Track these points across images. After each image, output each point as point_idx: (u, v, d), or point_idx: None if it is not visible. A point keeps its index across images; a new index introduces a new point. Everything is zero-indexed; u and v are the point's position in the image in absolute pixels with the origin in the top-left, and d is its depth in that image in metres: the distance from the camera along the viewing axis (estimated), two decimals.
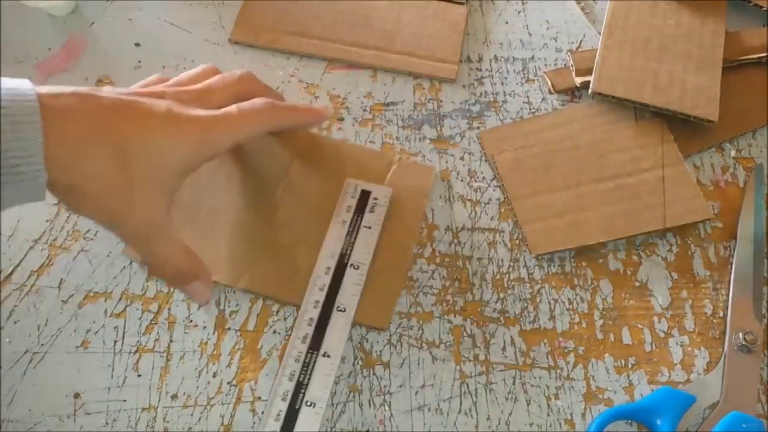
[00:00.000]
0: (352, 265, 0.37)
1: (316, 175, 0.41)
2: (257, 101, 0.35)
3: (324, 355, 0.35)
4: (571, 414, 0.36)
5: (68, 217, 0.40)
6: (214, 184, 0.40)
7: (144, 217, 0.31)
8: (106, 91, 0.31)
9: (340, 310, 0.36)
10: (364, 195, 0.40)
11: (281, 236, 0.39)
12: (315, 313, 0.36)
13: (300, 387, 0.34)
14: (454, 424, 0.35)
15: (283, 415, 0.34)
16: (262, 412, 0.34)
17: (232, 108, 0.34)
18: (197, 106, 0.33)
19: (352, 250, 0.38)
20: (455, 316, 0.38)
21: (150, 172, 0.30)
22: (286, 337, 0.37)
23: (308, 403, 0.34)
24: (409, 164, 0.42)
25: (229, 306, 0.38)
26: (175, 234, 0.33)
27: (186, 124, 0.31)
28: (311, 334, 0.36)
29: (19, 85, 0.28)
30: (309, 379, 0.35)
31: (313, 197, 0.40)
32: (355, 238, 0.38)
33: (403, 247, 0.39)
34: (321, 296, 0.37)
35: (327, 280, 0.37)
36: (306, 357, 0.35)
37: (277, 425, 0.34)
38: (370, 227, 0.39)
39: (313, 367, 0.35)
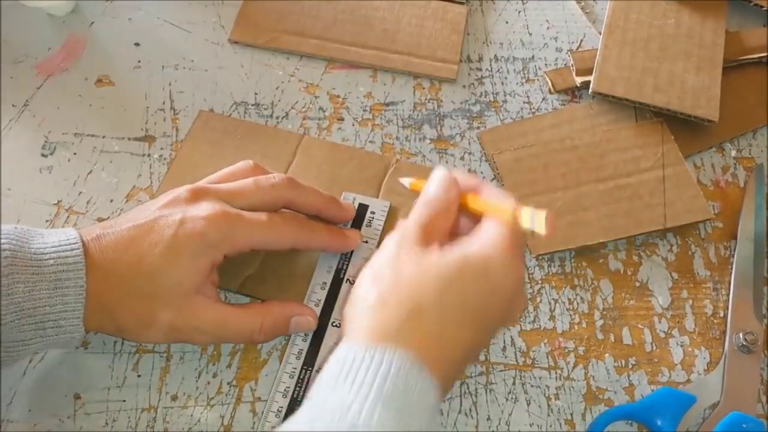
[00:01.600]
0: (348, 280, 0.37)
1: (314, 181, 0.40)
2: (290, 217, 0.35)
3: (319, 371, 0.35)
4: (571, 414, 0.36)
5: (68, 217, 0.40)
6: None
7: (198, 327, 0.32)
8: (117, 224, 0.32)
9: (335, 326, 0.36)
10: (362, 208, 0.39)
11: None
12: None
13: (294, 404, 0.34)
14: (454, 424, 0.35)
15: None
16: (262, 412, 0.34)
17: (261, 215, 0.33)
18: (216, 202, 0.33)
19: (348, 264, 0.37)
20: None
21: (178, 290, 0.31)
22: (286, 338, 0.37)
23: None
24: (407, 165, 0.42)
25: None
26: (236, 312, 0.33)
27: (194, 226, 0.31)
28: (306, 350, 0.35)
29: (67, 238, 0.30)
30: (303, 395, 0.34)
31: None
32: (352, 253, 0.38)
33: None
34: (316, 311, 0.36)
35: (322, 295, 0.37)
36: (300, 373, 0.35)
37: None
38: (367, 241, 0.38)
39: (307, 383, 0.34)
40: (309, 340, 0.35)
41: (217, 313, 0.32)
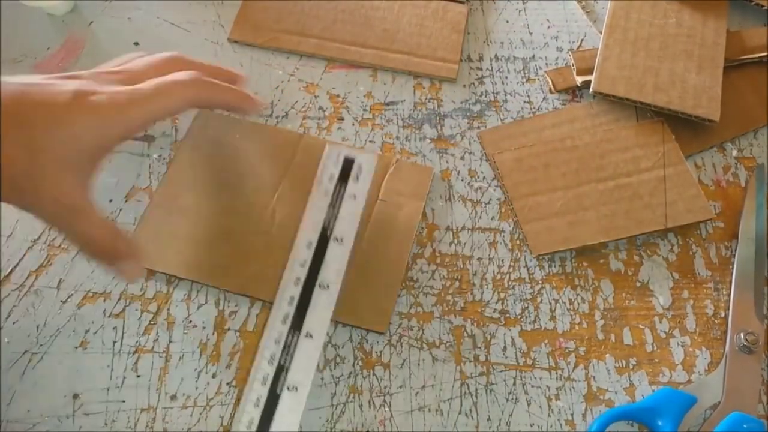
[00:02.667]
0: (335, 238, 0.35)
1: (311, 182, 0.40)
2: (178, 75, 0.33)
3: (306, 336, 0.33)
4: (571, 414, 0.36)
5: None
6: (212, 190, 0.40)
7: (55, 199, 0.30)
8: (14, 79, 0.30)
9: (323, 288, 0.34)
10: (348, 163, 0.38)
11: (279, 240, 0.39)
12: (296, 291, 0.34)
13: (281, 371, 0.33)
14: (455, 424, 0.35)
15: (263, 400, 0.32)
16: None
17: (148, 83, 0.32)
18: (114, 84, 0.32)
19: (335, 222, 0.36)
20: (455, 316, 0.38)
21: (58, 156, 0.30)
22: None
23: (290, 388, 0.33)
24: (407, 165, 0.42)
25: (228, 306, 0.38)
26: (96, 215, 0.32)
27: (94, 103, 0.30)
28: (292, 314, 0.34)
29: None
30: (290, 362, 0.33)
31: (306, 203, 0.39)
32: (339, 210, 0.36)
33: (401, 249, 0.39)
34: (302, 273, 0.35)
35: (308, 255, 0.35)
36: (287, 338, 0.33)
37: (257, 411, 0.32)
38: (355, 197, 0.36)
39: (294, 348, 0.33)
40: (295, 304, 0.34)
41: (82, 200, 0.31)
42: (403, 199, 0.40)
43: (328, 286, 0.34)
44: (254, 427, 0.32)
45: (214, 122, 0.43)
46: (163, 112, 0.33)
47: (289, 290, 0.35)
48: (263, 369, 0.33)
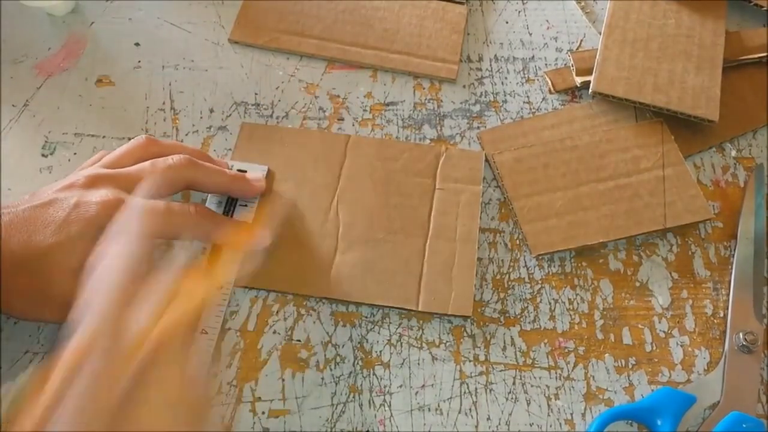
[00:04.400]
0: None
1: (369, 179, 0.41)
2: (189, 207, 0.34)
3: None
4: (571, 414, 0.36)
5: None
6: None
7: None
8: (15, 205, 0.32)
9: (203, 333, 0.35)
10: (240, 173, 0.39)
11: (340, 245, 0.39)
12: None
13: None
14: (454, 424, 0.35)
15: None
16: (263, 413, 0.34)
17: (159, 203, 0.33)
18: (112, 188, 0.33)
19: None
20: (455, 316, 0.38)
21: (65, 269, 0.31)
22: (286, 337, 0.37)
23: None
24: (457, 152, 0.42)
25: (229, 306, 0.38)
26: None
27: (86, 209, 0.32)
28: None
29: None
30: None
31: (368, 201, 0.40)
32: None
33: (468, 232, 0.39)
34: None
35: None
36: None
37: None
38: (246, 205, 0.38)
39: None
40: None
41: None
42: (460, 185, 0.41)
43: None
44: None
45: (258, 132, 0.43)
46: (161, 234, 0.33)
47: None
48: None
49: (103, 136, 0.43)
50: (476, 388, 0.36)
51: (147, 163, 0.35)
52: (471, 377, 0.36)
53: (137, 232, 0.30)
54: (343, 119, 0.44)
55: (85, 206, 0.32)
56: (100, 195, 0.32)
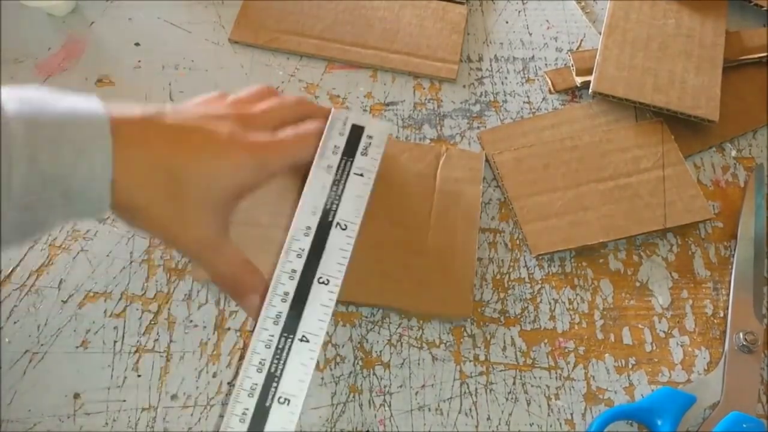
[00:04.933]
0: (338, 224, 0.31)
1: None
2: (311, 126, 0.35)
3: (302, 340, 0.29)
4: (571, 414, 0.36)
5: None
6: (268, 199, 0.38)
7: (196, 238, 0.31)
8: (171, 113, 0.31)
9: (323, 283, 0.30)
10: (356, 131, 0.33)
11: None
12: (291, 287, 0.30)
13: (271, 380, 0.29)
14: (454, 424, 0.35)
15: (249, 414, 0.28)
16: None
17: (289, 132, 0.34)
18: (257, 129, 0.33)
19: (339, 204, 0.31)
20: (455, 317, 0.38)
21: (203, 198, 0.31)
22: None
23: (281, 400, 0.28)
24: (457, 152, 0.42)
25: (229, 306, 0.38)
26: (230, 251, 0.33)
27: (244, 149, 0.32)
28: (286, 313, 0.29)
29: (90, 107, 0.28)
30: (283, 369, 0.29)
31: (367, 201, 0.39)
32: (344, 189, 0.31)
33: (468, 233, 0.39)
34: (299, 264, 0.30)
35: (306, 243, 0.31)
36: (279, 342, 0.29)
37: (243, 427, 0.28)
38: (362, 174, 0.32)
39: (287, 355, 0.29)
40: (290, 301, 0.30)
41: (221, 230, 0.32)
42: (461, 185, 0.40)
43: (328, 281, 0.30)
44: None
45: None
46: (299, 161, 0.34)
47: (283, 285, 0.30)
48: (252, 377, 0.29)
49: None
50: (476, 388, 0.36)
51: (274, 102, 0.35)
52: (471, 377, 0.36)
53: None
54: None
55: (242, 138, 0.31)
56: (256, 136, 0.32)
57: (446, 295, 0.37)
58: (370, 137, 0.33)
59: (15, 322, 0.37)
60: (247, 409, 0.28)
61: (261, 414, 0.28)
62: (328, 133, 0.33)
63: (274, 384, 0.29)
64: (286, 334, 0.29)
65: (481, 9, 0.49)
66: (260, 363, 0.29)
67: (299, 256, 0.30)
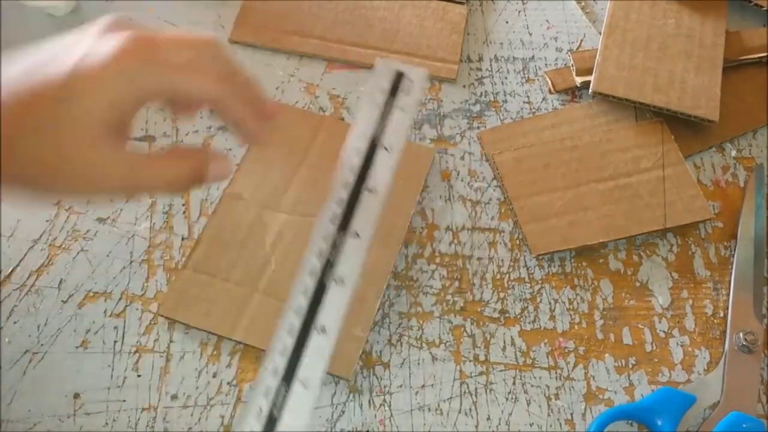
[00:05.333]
0: (384, 147, 0.36)
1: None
2: (215, 69, 0.30)
3: (354, 236, 0.33)
4: (571, 414, 0.36)
5: (68, 216, 0.40)
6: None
7: (100, 178, 0.28)
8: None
9: (372, 192, 0.34)
10: (399, 77, 0.37)
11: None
12: (345, 193, 0.34)
13: (329, 266, 0.32)
14: (454, 424, 0.35)
15: (310, 292, 0.31)
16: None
17: (182, 55, 0.30)
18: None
19: (384, 132, 0.36)
20: (455, 316, 0.38)
21: (84, 132, 0.27)
22: None
23: (337, 281, 0.32)
24: (406, 143, 0.41)
25: None
26: (146, 162, 0.29)
27: (124, 61, 0.28)
28: (341, 214, 0.33)
29: None
30: (337, 257, 0.32)
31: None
32: (388, 121, 0.36)
33: (396, 228, 0.39)
34: (351, 177, 0.34)
35: (358, 162, 0.35)
36: (335, 238, 0.32)
37: (304, 301, 0.31)
38: (403, 109, 0.36)
39: (341, 246, 0.32)
40: (344, 206, 0.34)
41: (130, 156, 0.28)
42: (400, 179, 0.38)
43: (375, 191, 0.34)
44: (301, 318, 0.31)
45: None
46: (185, 85, 0.30)
47: (341, 192, 0.34)
48: (310, 262, 0.32)
49: None
50: (476, 388, 0.36)
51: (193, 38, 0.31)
52: (471, 377, 0.36)
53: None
54: (343, 119, 0.44)
55: (106, 48, 0.28)
56: (125, 36, 0.29)
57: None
58: (411, 80, 0.37)
59: (15, 322, 0.37)
60: (308, 287, 0.31)
61: (320, 291, 0.31)
62: (377, 78, 0.37)
63: (330, 269, 0.32)
64: (341, 232, 0.33)
65: (481, 9, 0.49)
66: (319, 252, 0.32)
67: (351, 170, 0.34)
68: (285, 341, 0.31)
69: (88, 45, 0.29)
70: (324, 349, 0.31)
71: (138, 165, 0.29)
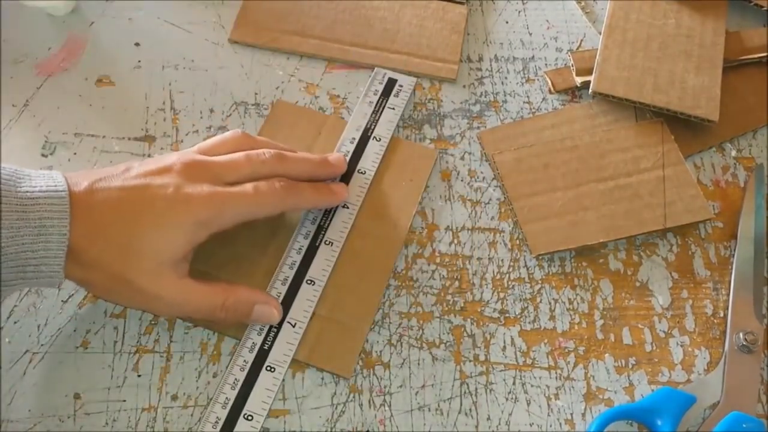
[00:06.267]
0: (374, 137, 0.42)
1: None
2: (275, 184, 0.35)
3: (345, 207, 0.40)
4: (571, 414, 0.36)
5: None
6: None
7: (162, 297, 0.32)
8: (119, 176, 0.32)
9: (361, 173, 0.41)
10: (390, 82, 0.44)
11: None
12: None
13: (320, 230, 0.39)
14: (454, 424, 0.35)
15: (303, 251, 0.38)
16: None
17: (248, 187, 0.34)
18: (204, 180, 0.33)
19: (375, 125, 0.42)
20: (455, 316, 0.38)
21: (155, 260, 0.32)
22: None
23: (327, 242, 0.38)
24: (408, 144, 0.43)
25: None
26: (202, 289, 0.34)
27: (187, 204, 0.32)
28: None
29: (55, 185, 0.30)
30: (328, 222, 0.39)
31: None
32: (380, 116, 0.43)
33: (397, 227, 0.40)
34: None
35: (351, 148, 0.41)
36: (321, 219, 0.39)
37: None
38: (394, 108, 0.43)
39: (333, 214, 0.39)
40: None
41: (184, 286, 0.33)
42: (403, 178, 0.42)
43: (364, 172, 0.41)
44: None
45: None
46: (252, 217, 0.35)
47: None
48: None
49: (103, 136, 0.43)
50: (476, 388, 0.36)
51: (241, 155, 0.35)
52: (471, 377, 0.36)
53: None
54: (343, 119, 0.44)
55: (185, 198, 0.32)
56: (199, 189, 0.33)
57: (331, 350, 0.36)
58: (400, 86, 0.44)
59: (15, 322, 0.37)
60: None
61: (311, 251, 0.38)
62: (372, 81, 0.44)
63: (322, 233, 0.39)
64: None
65: (481, 9, 0.49)
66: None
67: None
68: (279, 289, 0.37)
69: (175, 185, 0.33)
70: (311, 295, 0.37)
71: (192, 291, 0.34)
